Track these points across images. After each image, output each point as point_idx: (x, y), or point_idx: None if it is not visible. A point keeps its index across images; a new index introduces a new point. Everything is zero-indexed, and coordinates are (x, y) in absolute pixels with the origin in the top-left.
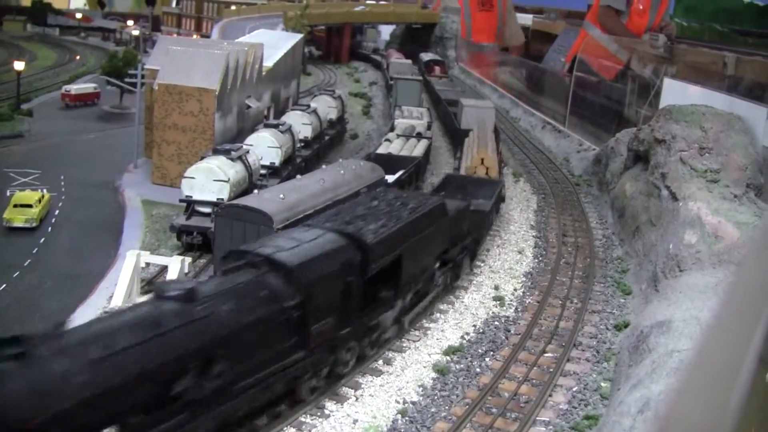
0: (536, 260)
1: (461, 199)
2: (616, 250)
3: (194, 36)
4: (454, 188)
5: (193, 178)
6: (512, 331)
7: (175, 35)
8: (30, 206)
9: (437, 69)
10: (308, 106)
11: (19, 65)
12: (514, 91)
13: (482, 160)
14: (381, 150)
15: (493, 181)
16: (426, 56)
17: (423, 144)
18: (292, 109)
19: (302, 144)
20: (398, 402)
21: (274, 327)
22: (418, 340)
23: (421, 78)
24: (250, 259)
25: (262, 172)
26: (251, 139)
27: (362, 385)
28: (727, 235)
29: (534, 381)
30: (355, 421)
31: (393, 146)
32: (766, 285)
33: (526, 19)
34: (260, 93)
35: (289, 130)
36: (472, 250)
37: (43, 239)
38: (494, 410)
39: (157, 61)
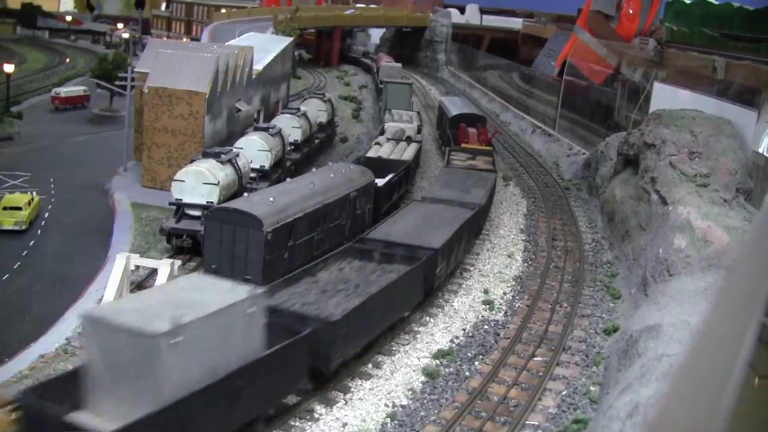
0: (526, 264)
1: None
2: (606, 254)
3: (184, 39)
4: None
5: (182, 181)
6: (502, 335)
7: (165, 38)
8: (19, 209)
9: (472, 135)
10: (298, 109)
11: (8, 68)
12: (503, 95)
13: None
14: (371, 153)
15: None
16: (453, 105)
17: (413, 148)
18: (282, 113)
19: (292, 147)
20: (387, 405)
21: None
22: (408, 344)
23: (411, 82)
24: None
25: (252, 175)
26: (241, 143)
27: (351, 389)
28: (716, 240)
29: (523, 385)
30: (345, 425)
31: (383, 150)
32: (755, 290)
33: (516, 22)
34: (250, 96)
35: (278, 133)
36: None
37: (32, 242)
38: (483, 414)
39: (147, 64)
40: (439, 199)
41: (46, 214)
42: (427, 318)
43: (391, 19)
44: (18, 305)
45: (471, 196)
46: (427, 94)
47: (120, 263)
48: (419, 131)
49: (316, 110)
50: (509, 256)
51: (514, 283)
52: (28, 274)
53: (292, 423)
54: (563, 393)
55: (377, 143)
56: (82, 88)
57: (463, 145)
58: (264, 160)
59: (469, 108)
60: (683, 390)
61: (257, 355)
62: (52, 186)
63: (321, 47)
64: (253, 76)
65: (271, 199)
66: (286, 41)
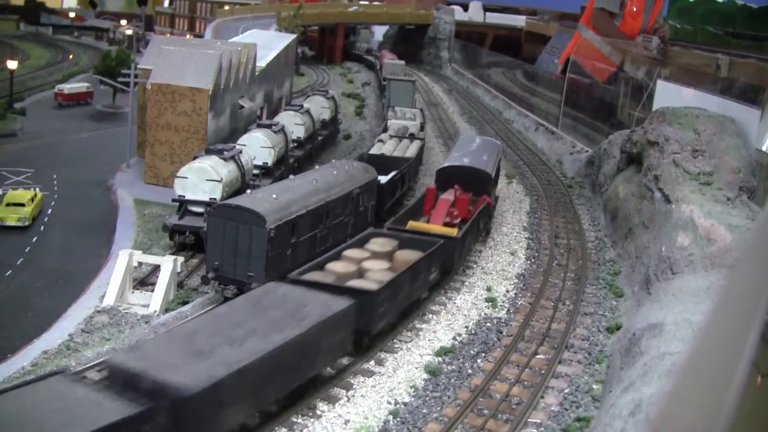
0: (528, 262)
1: None
2: (609, 252)
3: (187, 36)
4: None
5: (185, 177)
6: (504, 333)
7: (168, 35)
8: (22, 205)
9: (442, 204)
10: (301, 106)
11: (12, 64)
12: (507, 93)
13: None
14: (374, 151)
15: None
16: (458, 151)
17: (416, 145)
18: (285, 110)
19: (295, 144)
20: (390, 403)
21: None
22: (410, 341)
23: (414, 79)
24: None
25: (255, 172)
26: (244, 139)
27: (354, 386)
28: (719, 238)
29: (526, 383)
30: (347, 422)
31: (386, 147)
32: (758, 288)
33: (519, 20)
34: (253, 93)
35: (281, 130)
36: None
37: (35, 238)
38: (486, 412)
39: (150, 60)
40: (123, 370)
41: (49, 211)
42: (430, 315)
43: (394, 16)
44: (21, 301)
45: (188, 370)
46: (429, 91)
47: (123, 260)
48: (422, 128)
49: (319, 107)
50: (512, 254)
51: (516, 280)
52: (31, 270)
53: (295, 420)
54: (566, 391)
55: (380, 140)
56: (85, 84)
57: (412, 223)
58: (267, 157)
59: (477, 158)
60: (685, 389)
61: None
62: (55, 182)
63: (324, 44)
64: (256, 73)
65: (274, 196)
66: (289, 38)
